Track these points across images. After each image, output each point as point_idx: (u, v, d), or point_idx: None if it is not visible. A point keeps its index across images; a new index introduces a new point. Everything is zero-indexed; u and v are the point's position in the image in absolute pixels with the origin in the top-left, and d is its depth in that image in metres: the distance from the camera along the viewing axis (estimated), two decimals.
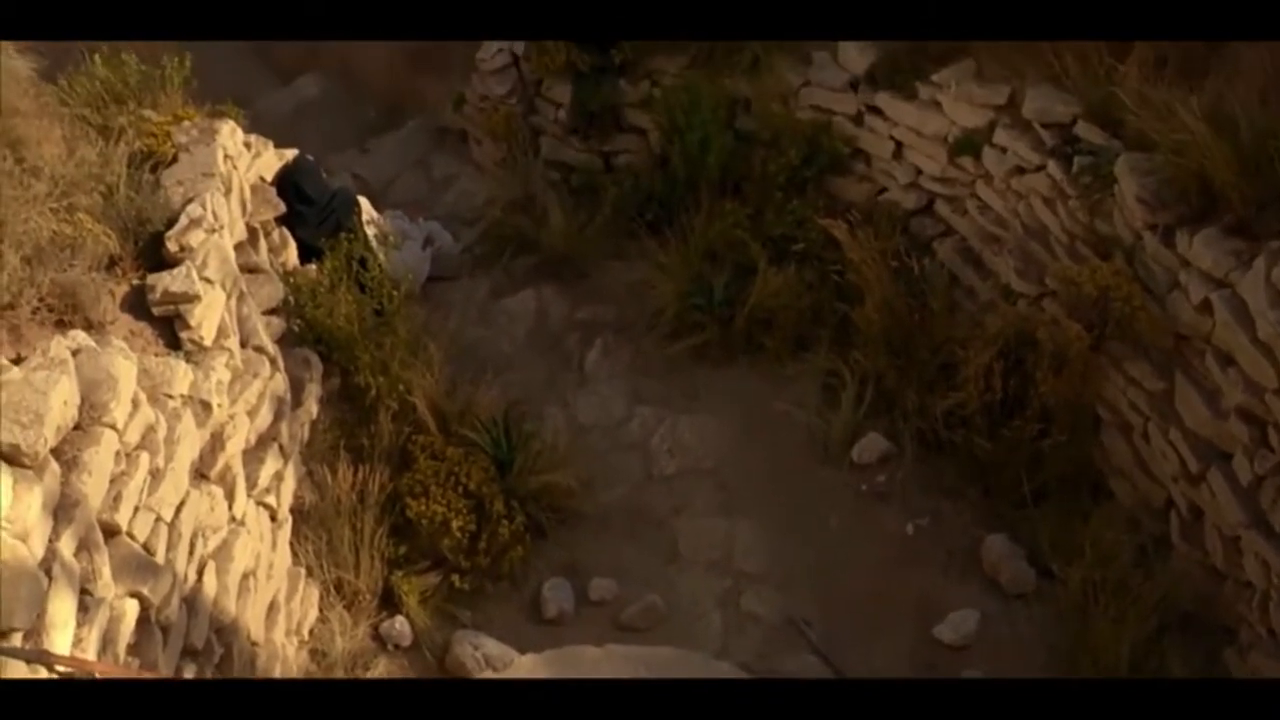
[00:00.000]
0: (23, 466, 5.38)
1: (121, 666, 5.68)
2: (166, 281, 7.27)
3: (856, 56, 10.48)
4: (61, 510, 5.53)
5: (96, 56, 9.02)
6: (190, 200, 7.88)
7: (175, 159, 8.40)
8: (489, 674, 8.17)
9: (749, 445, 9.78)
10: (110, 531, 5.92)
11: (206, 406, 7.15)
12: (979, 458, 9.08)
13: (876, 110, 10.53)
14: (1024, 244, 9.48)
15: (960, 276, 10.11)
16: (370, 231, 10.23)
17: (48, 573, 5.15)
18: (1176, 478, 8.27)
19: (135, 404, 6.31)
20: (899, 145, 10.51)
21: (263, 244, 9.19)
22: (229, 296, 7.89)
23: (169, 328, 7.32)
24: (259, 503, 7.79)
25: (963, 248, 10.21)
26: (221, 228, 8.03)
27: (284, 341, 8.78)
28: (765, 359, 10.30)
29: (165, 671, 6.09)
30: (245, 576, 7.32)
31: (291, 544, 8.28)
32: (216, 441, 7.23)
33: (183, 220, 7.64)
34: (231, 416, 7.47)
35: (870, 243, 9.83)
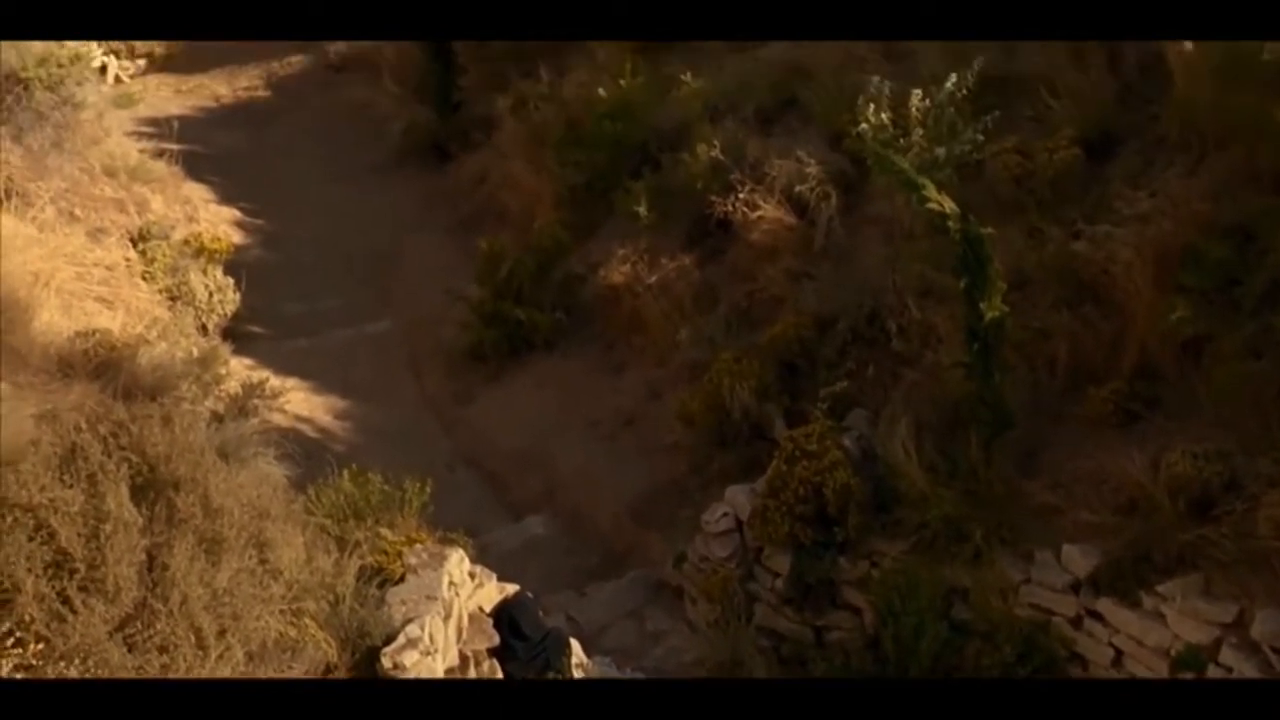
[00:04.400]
0: None
1: None
2: None
3: (1080, 559, 10.42)
4: None
5: (345, 472, 9.61)
6: (410, 620, 8.20)
7: (403, 578, 8.79)
8: None
9: None
10: None
11: None
12: None
13: (1097, 615, 10.37)
14: None
15: None
16: (577, 675, 10.34)
17: None
18: None
19: None
20: (1119, 653, 10.27)
21: (472, 672, 9.36)
22: None
23: None
24: None
25: None
26: (435, 651, 8.28)
27: None
28: None
29: None
30: None
31: None
32: None
33: (401, 639, 7.94)
34: None
35: None
